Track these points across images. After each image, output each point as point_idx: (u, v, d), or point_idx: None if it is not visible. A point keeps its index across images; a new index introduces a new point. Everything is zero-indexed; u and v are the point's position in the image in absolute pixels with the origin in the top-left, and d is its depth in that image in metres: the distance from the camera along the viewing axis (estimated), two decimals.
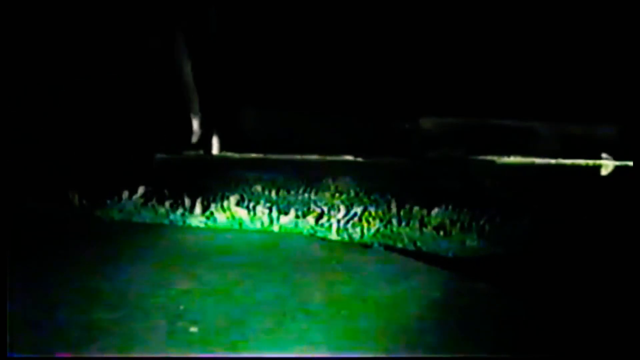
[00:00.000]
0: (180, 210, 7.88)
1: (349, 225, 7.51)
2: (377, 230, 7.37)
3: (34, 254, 5.67)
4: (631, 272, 5.75)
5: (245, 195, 8.97)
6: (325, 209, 8.34)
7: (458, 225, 7.69)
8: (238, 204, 8.42)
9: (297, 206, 8.59)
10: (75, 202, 8.30)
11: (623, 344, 3.93)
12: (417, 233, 7.29)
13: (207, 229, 7.47)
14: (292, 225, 7.50)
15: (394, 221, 7.76)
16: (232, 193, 8.86)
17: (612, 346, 3.89)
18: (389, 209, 8.51)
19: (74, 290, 4.48)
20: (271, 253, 6.06)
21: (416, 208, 8.38)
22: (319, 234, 7.25)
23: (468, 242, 7.00)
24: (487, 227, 7.66)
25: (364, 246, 6.74)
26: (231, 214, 7.79)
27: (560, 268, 5.99)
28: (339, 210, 8.11)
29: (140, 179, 9.76)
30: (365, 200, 9.54)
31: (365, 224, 7.52)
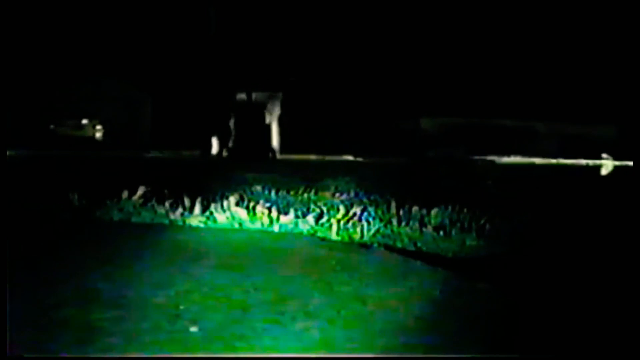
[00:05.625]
0: None
1: (349, 225, 7.52)
2: (377, 230, 7.37)
3: (34, 254, 5.68)
4: (629, 272, 5.76)
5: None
6: (325, 209, 8.35)
7: (458, 225, 7.70)
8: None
9: (297, 206, 8.61)
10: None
11: (621, 343, 3.93)
12: (417, 233, 7.29)
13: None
14: (292, 225, 7.51)
15: (394, 221, 7.77)
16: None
17: (611, 345, 3.89)
18: (389, 209, 8.52)
19: (74, 290, 4.48)
20: (271, 253, 6.08)
21: (416, 208, 8.39)
22: (319, 234, 7.26)
23: (468, 242, 7.00)
24: (487, 227, 7.67)
25: (364, 246, 6.75)
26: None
27: (559, 268, 6.00)
28: (338, 210, 8.11)
29: None
30: (365, 200, 9.55)
31: (365, 224, 7.53)
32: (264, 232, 7.29)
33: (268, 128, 24.98)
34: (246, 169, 15.53)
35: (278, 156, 24.59)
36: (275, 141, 24.97)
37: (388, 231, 7.35)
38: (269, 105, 25.32)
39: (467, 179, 16.10)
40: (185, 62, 31.39)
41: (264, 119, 24.88)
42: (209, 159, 24.94)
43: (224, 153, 25.33)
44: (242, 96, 25.23)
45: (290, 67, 28.09)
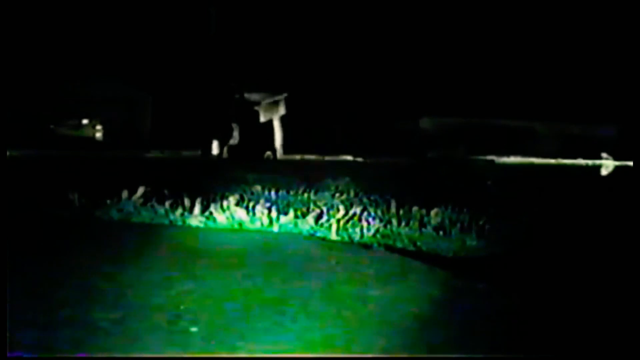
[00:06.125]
0: None
1: (349, 225, 7.52)
2: (377, 230, 7.37)
3: (35, 254, 5.68)
4: (629, 272, 5.76)
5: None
6: (325, 209, 8.35)
7: (458, 225, 7.71)
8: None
9: (296, 206, 8.61)
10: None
11: (620, 343, 3.93)
12: (417, 233, 7.30)
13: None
14: (292, 225, 7.51)
15: (394, 221, 7.77)
16: None
17: (610, 345, 3.89)
18: (389, 209, 8.52)
19: (75, 290, 4.48)
20: (271, 253, 6.08)
21: (416, 208, 8.39)
22: (319, 234, 7.26)
23: (468, 242, 7.01)
24: (487, 227, 7.67)
25: (364, 246, 6.75)
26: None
27: (559, 268, 6.00)
28: (338, 210, 8.11)
29: None
30: (365, 200, 9.55)
31: (365, 224, 7.53)
32: (264, 232, 7.29)
33: (270, 128, 25.06)
34: (246, 169, 15.53)
35: (280, 156, 24.69)
36: (278, 141, 25.05)
37: (388, 231, 7.35)
38: (271, 106, 25.36)
39: (467, 179, 16.10)
40: (186, 62, 31.38)
41: (266, 118, 25.03)
42: (209, 159, 24.97)
43: (224, 153, 25.39)
44: (244, 96, 25.27)
45: (290, 67, 28.10)
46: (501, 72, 32.67)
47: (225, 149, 25.40)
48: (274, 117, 25.40)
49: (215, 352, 3.49)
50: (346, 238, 7.13)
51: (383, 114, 32.94)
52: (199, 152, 27.95)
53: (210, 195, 8.60)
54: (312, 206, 8.69)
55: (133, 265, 5.23)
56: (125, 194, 8.51)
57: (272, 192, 9.98)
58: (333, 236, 7.17)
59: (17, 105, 30.25)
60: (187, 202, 8.14)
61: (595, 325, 4.26)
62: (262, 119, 25.04)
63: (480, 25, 31.87)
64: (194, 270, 5.15)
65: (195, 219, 7.66)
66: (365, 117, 32.55)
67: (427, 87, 32.40)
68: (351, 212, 7.98)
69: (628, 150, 29.72)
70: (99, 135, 34.07)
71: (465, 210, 8.41)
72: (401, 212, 8.31)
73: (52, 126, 33.02)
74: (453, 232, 7.36)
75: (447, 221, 7.88)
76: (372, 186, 11.15)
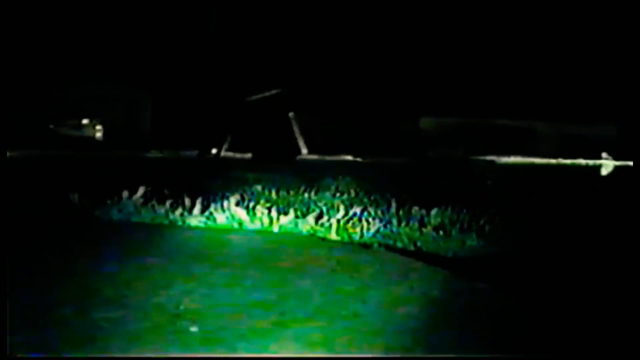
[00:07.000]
0: None
1: (349, 225, 7.52)
2: (377, 230, 7.37)
3: (35, 254, 5.67)
4: (629, 272, 5.75)
5: None
6: (325, 209, 8.34)
7: (458, 225, 7.70)
8: None
9: (297, 206, 8.60)
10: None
11: (620, 343, 3.93)
12: (417, 233, 7.29)
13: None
14: (292, 225, 7.51)
15: (394, 221, 7.77)
16: None
17: (609, 345, 3.89)
18: (389, 209, 8.52)
19: (75, 290, 4.48)
20: (271, 253, 6.07)
21: (416, 208, 8.39)
22: (319, 234, 7.26)
23: (468, 242, 7.00)
24: (487, 227, 7.67)
25: (364, 246, 6.75)
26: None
27: (559, 267, 5.99)
28: (338, 210, 8.11)
29: None
30: (365, 200, 9.55)
31: (365, 224, 7.52)
32: (264, 232, 7.29)
33: (289, 127, 24.58)
34: (247, 169, 15.52)
35: (305, 156, 24.12)
36: (300, 141, 24.52)
37: (388, 231, 7.34)
38: (284, 104, 25.04)
39: (467, 179, 16.10)
40: (186, 62, 31.37)
41: (281, 118, 24.61)
42: (210, 160, 24.95)
43: (223, 153, 25.32)
44: (255, 96, 24.92)
45: (290, 67, 28.09)
46: (501, 72, 32.65)
47: (222, 149, 25.23)
48: (290, 116, 24.87)
49: (215, 352, 3.49)
50: (346, 238, 7.13)
51: (383, 114, 32.91)
52: (199, 152, 27.94)
53: (210, 195, 8.60)
54: (312, 206, 8.69)
55: (133, 265, 5.23)
56: (125, 194, 8.50)
57: (273, 192, 9.97)
58: (333, 236, 7.16)
59: (17, 105, 30.25)
60: (187, 202, 8.13)
61: (595, 325, 4.26)
62: (277, 118, 24.55)
63: (479, 25, 31.85)
64: (193, 270, 5.15)
65: (195, 219, 7.65)
66: (365, 117, 32.53)
67: (427, 87, 32.38)
68: (351, 212, 7.98)
69: (628, 150, 29.66)
70: (99, 135, 34.05)
71: (465, 210, 8.41)
72: (401, 212, 8.31)
73: (52, 126, 33.00)
74: (453, 232, 7.36)
75: (447, 221, 7.88)
76: (372, 186, 11.14)
